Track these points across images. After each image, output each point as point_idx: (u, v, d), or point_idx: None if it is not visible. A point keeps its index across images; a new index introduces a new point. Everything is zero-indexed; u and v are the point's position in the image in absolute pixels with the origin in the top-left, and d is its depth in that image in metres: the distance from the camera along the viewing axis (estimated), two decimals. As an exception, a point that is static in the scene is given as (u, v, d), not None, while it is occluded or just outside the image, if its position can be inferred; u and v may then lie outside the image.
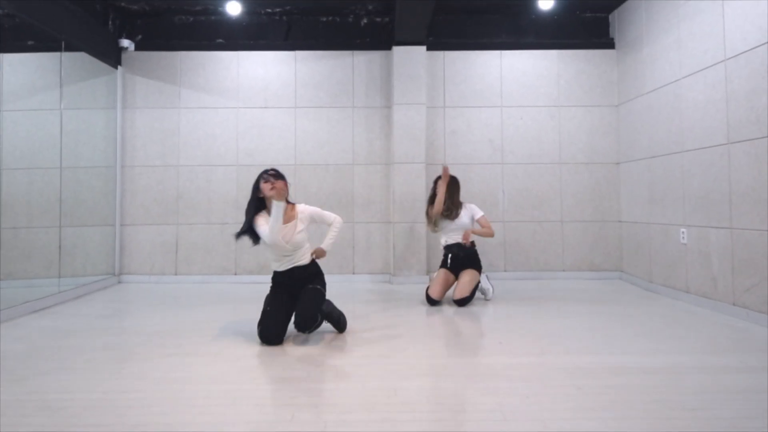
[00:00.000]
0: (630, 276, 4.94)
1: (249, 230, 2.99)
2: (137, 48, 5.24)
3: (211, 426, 1.84)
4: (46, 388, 2.22)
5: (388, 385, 2.23)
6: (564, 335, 3.04)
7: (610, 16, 5.31)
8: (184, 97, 5.26)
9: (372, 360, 2.60)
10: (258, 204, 3.02)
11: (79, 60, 4.55)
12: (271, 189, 2.92)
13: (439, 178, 4.11)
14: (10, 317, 3.52)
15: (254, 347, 2.82)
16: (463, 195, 4.37)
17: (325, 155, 5.26)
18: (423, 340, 3.01)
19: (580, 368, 2.43)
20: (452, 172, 4.33)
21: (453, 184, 4.09)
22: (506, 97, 5.28)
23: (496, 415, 1.92)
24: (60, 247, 4.22)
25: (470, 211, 4.10)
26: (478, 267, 4.07)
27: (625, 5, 5.02)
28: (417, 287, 4.56)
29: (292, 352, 2.75)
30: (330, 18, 5.33)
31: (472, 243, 4.07)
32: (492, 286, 4.21)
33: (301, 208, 3.10)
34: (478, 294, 4.14)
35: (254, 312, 3.33)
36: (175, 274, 5.16)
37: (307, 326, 2.86)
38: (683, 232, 4.05)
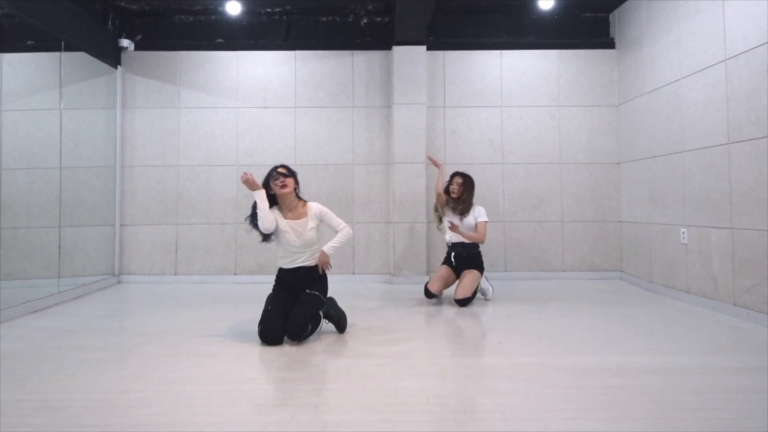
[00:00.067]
0: (630, 276, 4.94)
1: (252, 216, 3.02)
2: (137, 48, 5.24)
3: (211, 426, 1.84)
4: (45, 388, 2.22)
5: (388, 386, 2.22)
6: (564, 335, 3.04)
7: (611, 16, 5.31)
8: (183, 97, 5.26)
9: (372, 360, 2.60)
10: (269, 200, 3.05)
11: (78, 60, 4.55)
12: (282, 187, 2.97)
13: (455, 174, 4.15)
14: (9, 317, 3.52)
15: (254, 347, 2.82)
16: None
17: (325, 155, 5.26)
18: (423, 341, 3.00)
19: (580, 368, 2.43)
20: (452, 172, 4.34)
21: (469, 183, 4.12)
22: (506, 97, 5.28)
23: (496, 416, 1.91)
24: (60, 247, 4.22)
25: (477, 213, 4.09)
26: (480, 268, 4.07)
27: (625, 5, 5.02)
28: (417, 287, 4.55)
29: (292, 352, 2.75)
30: (330, 18, 5.32)
31: (476, 243, 4.08)
32: (492, 287, 4.21)
33: (312, 205, 3.11)
34: (478, 294, 4.14)
35: (254, 312, 3.33)
36: (175, 274, 5.16)
37: (295, 336, 2.85)
38: (683, 232, 4.04)
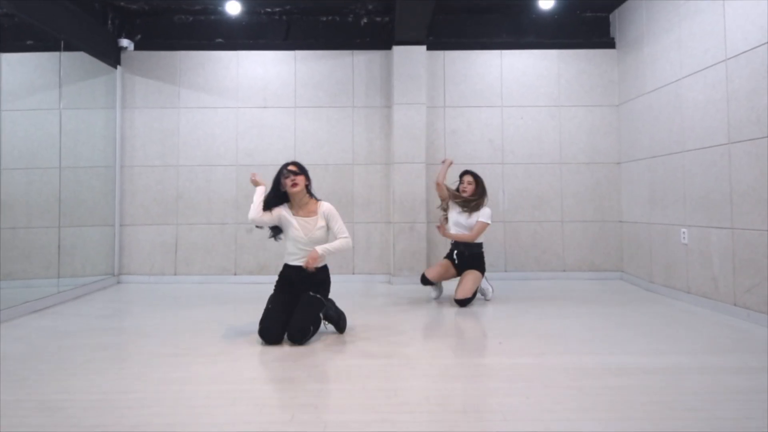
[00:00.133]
0: (630, 276, 4.94)
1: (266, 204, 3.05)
2: (136, 47, 5.23)
3: (211, 426, 1.84)
4: (45, 388, 2.21)
5: (388, 386, 2.22)
6: (564, 335, 3.04)
7: (611, 16, 5.31)
8: (183, 97, 5.26)
9: (372, 360, 2.60)
10: (282, 197, 3.07)
11: (78, 60, 4.54)
12: (293, 185, 2.99)
13: (464, 173, 4.13)
14: (9, 317, 3.52)
15: (254, 347, 2.82)
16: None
17: (325, 155, 5.26)
18: (423, 341, 3.00)
19: (580, 368, 2.42)
20: (452, 171, 4.34)
21: (482, 186, 4.09)
22: (506, 96, 5.27)
23: (497, 416, 1.91)
24: (59, 247, 4.22)
25: (481, 214, 4.05)
26: (482, 269, 4.06)
27: (625, 5, 5.01)
28: (417, 287, 4.55)
29: (292, 352, 2.74)
30: (330, 18, 5.32)
31: (479, 243, 4.07)
32: (491, 287, 4.21)
33: (323, 204, 3.13)
34: (478, 294, 4.13)
35: (254, 312, 3.33)
36: (175, 275, 5.15)
37: (296, 339, 2.84)
38: (684, 232, 4.04)
